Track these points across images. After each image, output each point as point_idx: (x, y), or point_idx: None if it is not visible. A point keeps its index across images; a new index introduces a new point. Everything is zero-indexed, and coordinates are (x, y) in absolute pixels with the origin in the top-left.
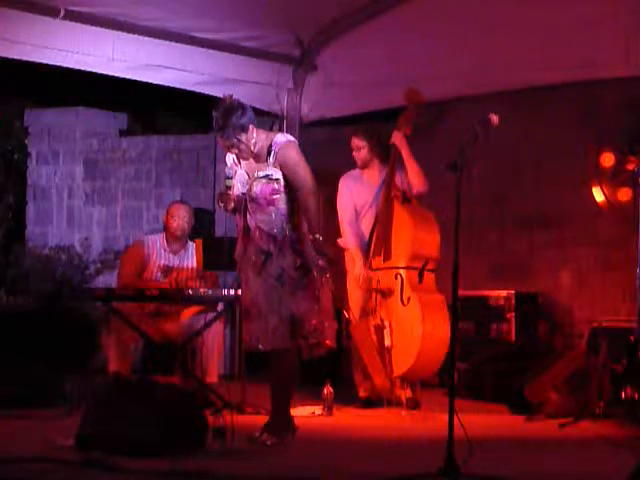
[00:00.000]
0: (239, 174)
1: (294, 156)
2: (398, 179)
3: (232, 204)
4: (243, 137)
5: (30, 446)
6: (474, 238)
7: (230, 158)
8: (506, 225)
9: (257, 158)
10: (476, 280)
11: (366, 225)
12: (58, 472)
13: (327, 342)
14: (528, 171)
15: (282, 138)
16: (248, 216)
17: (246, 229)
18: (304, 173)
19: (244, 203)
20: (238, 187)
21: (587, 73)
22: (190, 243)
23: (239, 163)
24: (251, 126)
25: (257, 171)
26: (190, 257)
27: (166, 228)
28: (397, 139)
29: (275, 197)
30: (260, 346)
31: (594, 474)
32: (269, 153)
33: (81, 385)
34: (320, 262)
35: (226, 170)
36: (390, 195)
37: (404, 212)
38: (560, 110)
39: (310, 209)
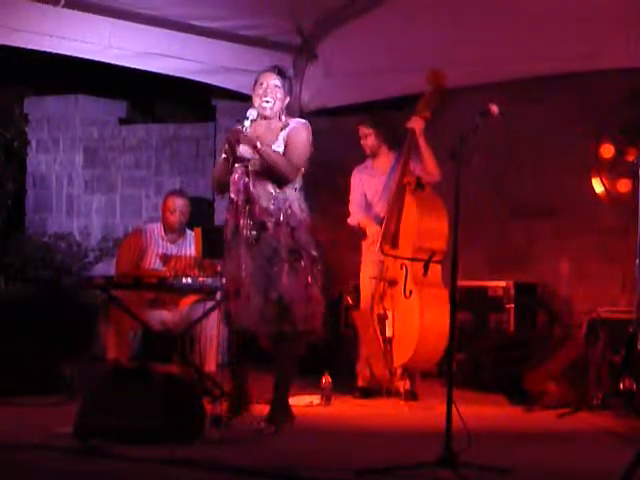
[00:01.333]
0: (244, 148)
1: (303, 137)
2: (412, 165)
3: (240, 145)
4: (286, 92)
5: (28, 433)
6: (473, 228)
7: (254, 115)
8: (505, 215)
9: (270, 132)
10: (475, 270)
11: (380, 212)
12: (56, 460)
13: (318, 331)
14: (528, 161)
15: (301, 120)
16: (249, 189)
17: (243, 203)
18: (301, 155)
19: (245, 176)
20: (244, 160)
21: (588, 64)
22: (189, 232)
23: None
24: (288, 99)
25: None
26: (188, 246)
27: (164, 221)
28: (417, 125)
29: None
30: (241, 326)
31: (592, 465)
32: (283, 129)
33: (80, 373)
34: (314, 252)
35: (249, 112)
36: (402, 182)
37: (413, 202)
38: (560, 101)
39: (276, 160)
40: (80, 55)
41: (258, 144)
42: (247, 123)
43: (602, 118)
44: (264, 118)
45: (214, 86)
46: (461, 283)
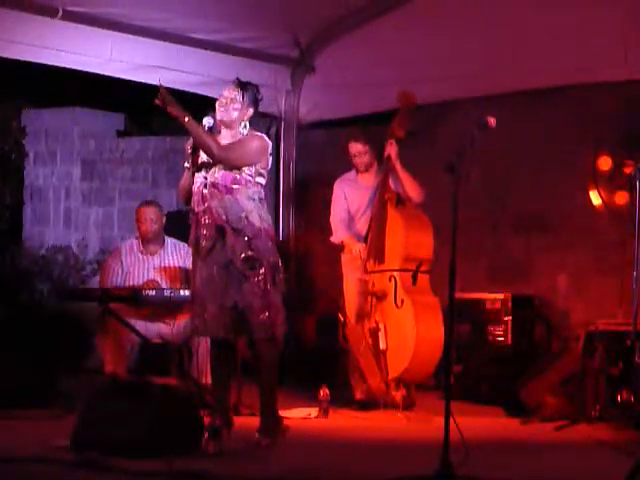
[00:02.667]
0: (203, 157)
1: (252, 143)
2: (391, 182)
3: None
4: (246, 103)
5: (26, 446)
6: (471, 240)
7: (211, 123)
8: (503, 228)
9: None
10: (473, 283)
11: (361, 229)
12: (54, 473)
13: (278, 338)
14: (525, 174)
15: (258, 133)
16: (205, 201)
17: (202, 214)
18: (240, 151)
19: (204, 187)
20: (203, 171)
21: (585, 76)
22: (169, 240)
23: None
24: (251, 110)
25: None
26: (170, 255)
27: (139, 233)
28: (392, 151)
29: (235, 187)
30: (197, 334)
31: (590, 477)
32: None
33: (78, 385)
34: (272, 259)
35: (205, 120)
36: (384, 198)
37: (397, 215)
38: (558, 113)
39: (205, 140)
40: (79, 68)
41: (186, 118)
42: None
43: (600, 131)
44: (225, 127)
45: (212, 99)
46: (459, 295)
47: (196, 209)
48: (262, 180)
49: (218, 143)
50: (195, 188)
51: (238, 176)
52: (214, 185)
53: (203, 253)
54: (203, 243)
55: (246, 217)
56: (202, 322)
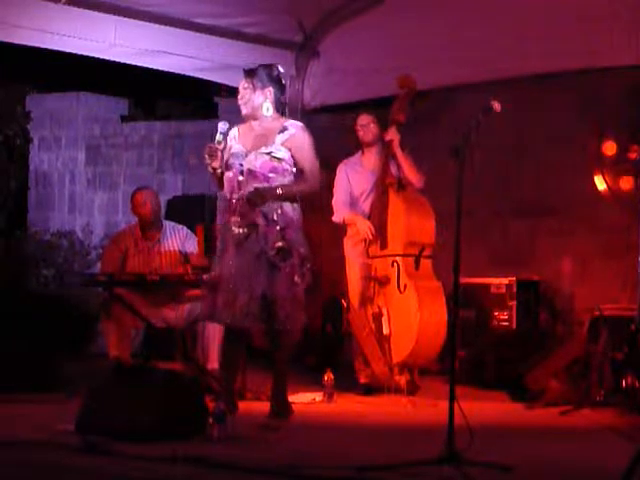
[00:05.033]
0: (236, 147)
1: (309, 143)
2: (392, 167)
3: (218, 162)
4: (260, 86)
5: (31, 431)
6: (476, 225)
7: (225, 128)
8: (508, 212)
9: (265, 134)
10: (477, 267)
11: (367, 209)
12: (59, 457)
13: (297, 332)
14: (530, 159)
15: (298, 122)
16: (241, 189)
17: (236, 201)
18: (315, 166)
19: (237, 175)
20: (237, 158)
21: (590, 61)
22: (167, 224)
23: (237, 137)
24: (270, 89)
25: (262, 146)
26: (169, 239)
27: (138, 217)
28: (394, 136)
29: (272, 175)
30: (220, 320)
31: (594, 462)
32: (282, 132)
33: (82, 370)
34: (302, 250)
35: (220, 126)
36: (385, 183)
37: (398, 200)
38: (563, 98)
39: (297, 189)
40: (83, 53)
41: (279, 190)
42: (219, 137)
43: (605, 116)
44: (252, 119)
45: (216, 83)
46: (464, 280)
47: (229, 196)
48: (294, 169)
49: (308, 181)
50: (230, 174)
51: (277, 164)
52: (251, 172)
53: (237, 241)
54: (235, 230)
55: (280, 206)
56: (231, 311)
